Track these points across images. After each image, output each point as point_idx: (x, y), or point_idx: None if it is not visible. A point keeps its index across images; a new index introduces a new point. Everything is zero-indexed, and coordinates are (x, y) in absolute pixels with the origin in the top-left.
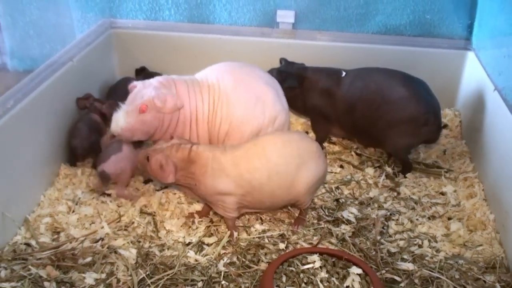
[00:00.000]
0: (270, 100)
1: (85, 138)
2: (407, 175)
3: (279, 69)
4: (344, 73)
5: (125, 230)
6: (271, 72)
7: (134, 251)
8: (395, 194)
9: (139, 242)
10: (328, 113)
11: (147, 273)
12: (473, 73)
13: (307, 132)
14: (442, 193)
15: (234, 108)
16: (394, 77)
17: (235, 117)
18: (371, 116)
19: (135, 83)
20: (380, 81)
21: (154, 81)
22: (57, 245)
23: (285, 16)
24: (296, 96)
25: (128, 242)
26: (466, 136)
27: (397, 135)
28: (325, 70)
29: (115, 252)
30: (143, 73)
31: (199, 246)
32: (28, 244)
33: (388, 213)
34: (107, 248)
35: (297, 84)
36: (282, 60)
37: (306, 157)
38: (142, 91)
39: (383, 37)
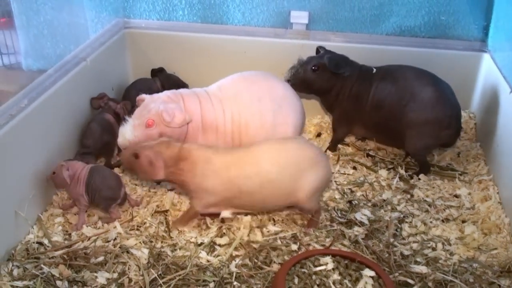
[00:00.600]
0: (287, 115)
1: (98, 138)
2: (420, 177)
3: (329, 57)
4: (374, 70)
5: (137, 230)
6: (318, 58)
7: (146, 251)
8: (409, 196)
9: (151, 242)
10: (354, 114)
11: (159, 273)
12: (489, 75)
13: (319, 134)
14: (456, 196)
15: (250, 125)
16: (424, 76)
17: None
18: (398, 113)
19: (143, 96)
20: (410, 78)
21: (162, 95)
22: (69, 244)
23: (299, 17)
24: (337, 81)
25: (140, 242)
26: (481, 138)
27: (418, 135)
28: (360, 67)
29: (127, 252)
30: (161, 74)
31: (211, 246)
32: (40, 243)
33: (402, 216)
34: (119, 247)
35: (349, 71)
36: (321, 48)
37: (305, 164)
38: (150, 105)
39: (398, 38)
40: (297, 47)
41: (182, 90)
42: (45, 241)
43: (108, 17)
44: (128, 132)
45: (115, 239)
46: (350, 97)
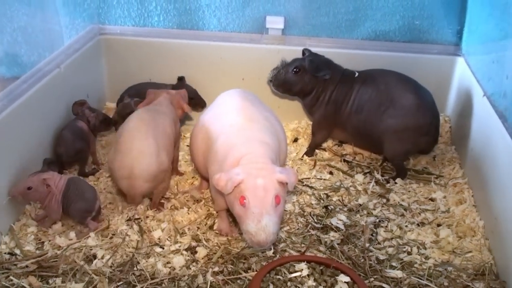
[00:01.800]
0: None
1: (70, 145)
2: (397, 181)
3: (310, 60)
4: (356, 74)
5: (111, 238)
6: (300, 60)
7: (117, 259)
8: (385, 200)
9: (122, 250)
10: (334, 119)
11: (122, 282)
12: (463, 79)
13: (296, 139)
14: (432, 199)
15: None
16: (406, 83)
17: None
18: (377, 118)
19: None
20: (392, 84)
21: (255, 165)
22: (40, 254)
23: (275, 22)
24: (319, 83)
25: (112, 251)
26: (456, 142)
27: (398, 141)
28: (342, 71)
29: (96, 259)
30: (180, 83)
31: (187, 253)
32: (11, 253)
33: (377, 220)
34: (92, 257)
35: (330, 74)
36: (306, 50)
37: None
38: (261, 183)
39: (373, 43)
40: (273, 52)
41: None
42: (17, 251)
43: (83, 24)
44: (270, 223)
45: (88, 247)
46: (331, 100)
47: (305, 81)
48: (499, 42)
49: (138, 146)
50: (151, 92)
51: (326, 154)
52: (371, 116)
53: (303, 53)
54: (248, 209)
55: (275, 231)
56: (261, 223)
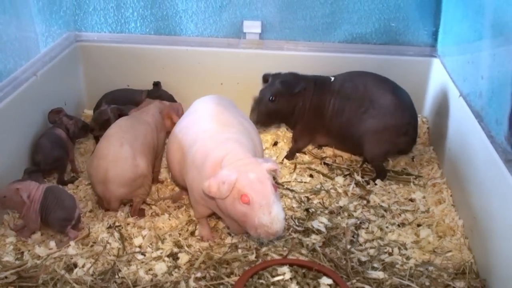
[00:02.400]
0: None
1: (49, 153)
2: (377, 182)
3: (280, 81)
4: (332, 78)
5: (92, 246)
6: (270, 87)
7: (99, 267)
8: (365, 202)
9: (98, 258)
10: (316, 124)
11: None
12: (439, 80)
13: (276, 143)
14: (411, 200)
15: None
16: (384, 84)
17: None
18: (358, 118)
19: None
20: (370, 85)
21: (247, 160)
22: (20, 264)
23: (252, 27)
24: (297, 99)
25: (93, 259)
26: (433, 142)
27: (377, 141)
28: (314, 79)
29: (77, 268)
30: (155, 88)
31: (169, 260)
32: None
33: (358, 222)
34: (73, 265)
35: (304, 86)
36: (267, 76)
37: None
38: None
39: (350, 45)
40: (251, 56)
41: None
42: None
43: (59, 31)
44: (281, 212)
45: (68, 257)
46: (311, 109)
47: (286, 103)
48: (474, 43)
49: (113, 152)
50: (148, 101)
51: (306, 157)
52: (352, 117)
53: (266, 80)
54: (255, 203)
55: (284, 217)
56: (272, 213)
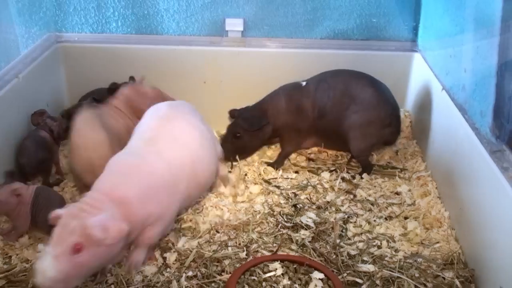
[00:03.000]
0: None
1: (33, 155)
2: (363, 177)
3: (242, 118)
4: (304, 83)
5: None
6: (232, 124)
7: None
8: (352, 196)
9: None
10: (301, 125)
11: None
12: (421, 74)
13: None
14: (397, 193)
15: None
16: (361, 78)
17: None
18: (342, 115)
19: (57, 212)
20: (348, 81)
21: (81, 204)
22: (8, 269)
23: (234, 25)
24: (268, 131)
25: None
26: (416, 136)
27: (362, 136)
28: (283, 90)
29: None
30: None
31: (160, 260)
32: None
33: (346, 216)
34: None
35: (267, 120)
36: (235, 111)
37: None
38: (70, 223)
39: (332, 41)
40: (233, 54)
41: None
42: None
43: (39, 32)
44: (49, 268)
45: None
46: (289, 118)
47: (252, 137)
48: (455, 37)
49: (90, 138)
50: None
51: (292, 154)
52: (335, 115)
53: (233, 115)
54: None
55: (56, 279)
56: (43, 263)
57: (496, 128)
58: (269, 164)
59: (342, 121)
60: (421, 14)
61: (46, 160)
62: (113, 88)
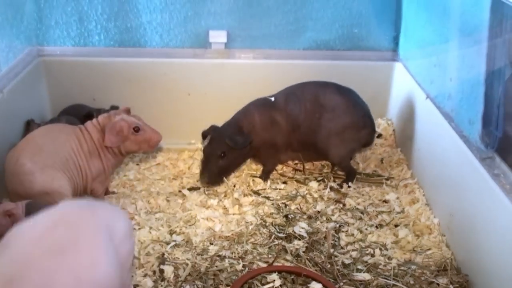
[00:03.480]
0: None
1: None
2: (350, 186)
3: (228, 137)
4: (273, 98)
5: None
6: (216, 145)
7: None
8: (341, 205)
9: None
10: (277, 140)
11: None
12: (403, 83)
13: None
14: (386, 201)
15: None
16: (327, 87)
17: None
18: (315, 127)
19: None
20: (315, 91)
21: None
22: None
23: (218, 36)
24: (247, 149)
25: None
26: (400, 144)
27: (341, 142)
28: (254, 106)
29: None
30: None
31: (153, 275)
32: None
33: (337, 225)
34: None
35: (251, 137)
36: (207, 133)
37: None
38: None
39: (314, 52)
40: (217, 66)
41: None
42: None
43: (21, 46)
44: None
45: None
46: (263, 128)
47: (236, 155)
48: (439, 46)
49: (12, 164)
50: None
51: (278, 166)
52: (310, 127)
53: (205, 137)
54: None
55: None
56: None
57: (485, 135)
58: (257, 176)
59: (317, 131)
60: (401, 24)
61: None
62: (89, 116)
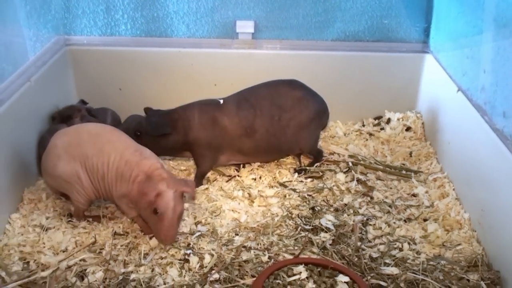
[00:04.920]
0: None
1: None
2: (378, 179)
3: (148, 119)
4: (221, 101)
5: (99, 253)
6: (136, 125)
7: (109, 275)
8: (369, 198)
9: (112, 263)
10: (216, 142)
11: None
12: (433, 75)
13: None
14: (414, 195)
15: None
16: (277, 87)
17: None
18: (276, 129)
19: None
20: (268, 94)
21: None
22: (28, 275)
23: (245, 27)
24: (173, 141)
25: (101, 266)
26: (430, 137)
27: (309, 133)
28: (198, 103)
29: (88, 276)
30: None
31: (181, 264)
32: None
33: (365, 218)
34: (81, 274)
35: (170, 129)
36: (148, 109)
37: None
38: None
39: (343, 43)
40: (244, 56)
41: None
42: (2, 274)
43: (48, 35)
44: None
45: (76, 265)
46: (202, 126)
47: (150, 143)
48: (472, 37)
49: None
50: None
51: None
52: (269, 131)
53: (146, 113)
54: None
55: None
56: None
57: None
58: None
59: (281, 133)
60: (433, 16)
61: None
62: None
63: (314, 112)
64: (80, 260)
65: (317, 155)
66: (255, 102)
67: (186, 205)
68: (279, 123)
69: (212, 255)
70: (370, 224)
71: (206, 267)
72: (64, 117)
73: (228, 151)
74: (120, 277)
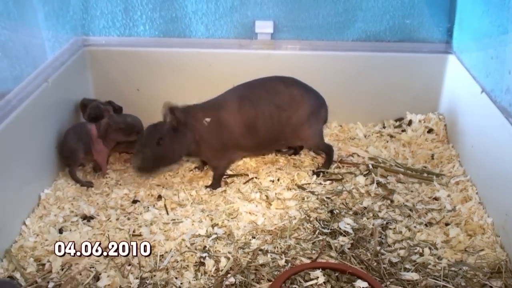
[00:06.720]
0: None
1: (64, 142)
2: (398, 182)
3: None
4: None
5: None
6: (156, 130)
7: (127, 277)
8: (389, 202)
9: (128, 266)
10: (225, 142)
11: None
12: (456, 76)
13: None
14: (436, 199)
15: None
16: (274, 86)
17: None
18: (277, 128)
19: None
20: (266, 94)
21: None
22: (42, 276)
23: (264, 27)
24: (188, 142)
25: (116, 268)
26: (452, 139)
27: (309, 129)
28: (201, 104)
29: (101, 278)
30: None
31: (196, 267)
32: (11, 277)
33: (385, 222)
34: (97, 275)
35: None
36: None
37: None
38: None
39: (363, 43)
40: (263, 57)
41: None
42: (17, 275)
43: (66, 36)
44: None
45: (92, 266)
46: (210, 134)
47: (176, 144)
48: (497, 38)
49: None
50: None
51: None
52: (272, 129)
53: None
54: None
55: None
56: None
57: None
58: (207, 186)
59: (283, 130)
60: (456, 15)
61: (75, 150)
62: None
63: (311, 107)
64: (96, 262)
65: (327, 151)
66: (255, 102)
67: (202, 206)
68: (279, 123)
69: (228, 259)
70: (390, 228)
71: (222, 270)
72: (92, 118)
73: (234, 149)
74: (136, 281)
